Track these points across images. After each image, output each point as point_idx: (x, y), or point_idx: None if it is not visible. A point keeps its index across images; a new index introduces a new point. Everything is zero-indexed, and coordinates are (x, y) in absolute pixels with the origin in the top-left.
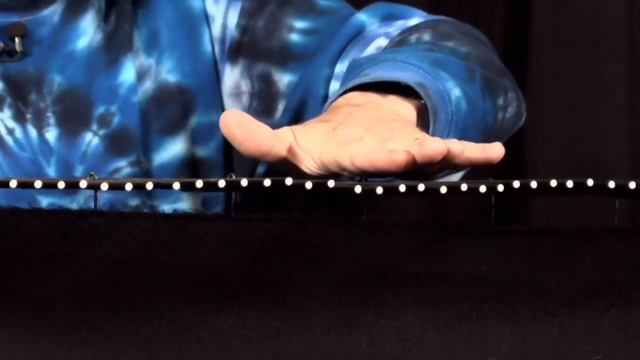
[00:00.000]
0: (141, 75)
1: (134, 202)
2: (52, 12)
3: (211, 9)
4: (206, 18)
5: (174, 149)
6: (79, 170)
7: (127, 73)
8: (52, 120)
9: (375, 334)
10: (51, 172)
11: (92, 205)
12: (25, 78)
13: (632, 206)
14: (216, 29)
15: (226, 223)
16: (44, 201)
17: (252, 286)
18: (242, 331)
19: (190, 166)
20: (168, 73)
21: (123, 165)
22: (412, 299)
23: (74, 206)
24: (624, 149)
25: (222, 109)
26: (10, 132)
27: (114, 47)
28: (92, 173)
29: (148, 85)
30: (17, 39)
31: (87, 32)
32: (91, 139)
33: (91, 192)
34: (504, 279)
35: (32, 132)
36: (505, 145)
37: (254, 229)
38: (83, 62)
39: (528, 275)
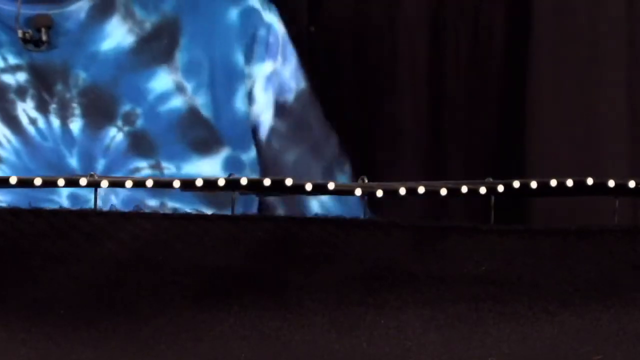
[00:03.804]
0: (175, 90)
1: (152, 202)
2: (79, 9)
3: (258, 91)
4: (243, 77)
5: (203, 167)
6: (100, 164)
7: (159, 82)
8: (77, 111)
9: (375, 334)
10: (73, 162)
11: (112, 198)
12: (52, 69)
13: (632, 206)
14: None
15: (226, 223)
16: (65, 191)
17: (252, 286)
18: (242, 331)
19: None
20: (202, 106)
21: (144, 166)
22: (412, 299)
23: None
24: (624, 149)
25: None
26: (33, 122)
27: (148, 52)
28: (93, 173)
29: (180, 103)
30: (43, 30)
31: (114, 34)
32: (115, 134)
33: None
34: (504, 279)
35: (55, 122)
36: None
37: (254, 229)
38: (109, 62)
39: (528, 275)
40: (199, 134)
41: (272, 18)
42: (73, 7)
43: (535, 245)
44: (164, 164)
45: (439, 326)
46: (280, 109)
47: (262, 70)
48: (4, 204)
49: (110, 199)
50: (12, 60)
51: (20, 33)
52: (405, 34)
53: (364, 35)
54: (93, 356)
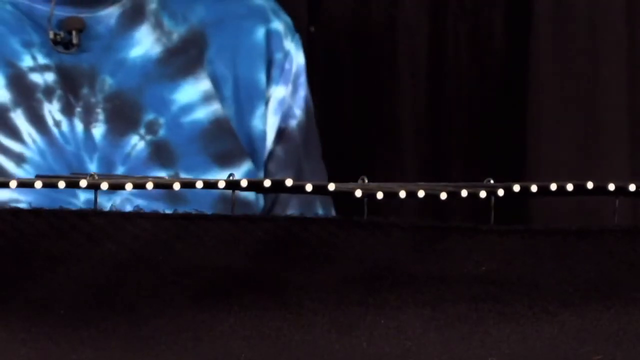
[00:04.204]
0: (199, 103)
1: None
2: (110, 14)
3: (270, 114)
4: (263, 96)
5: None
6: (119, 171)
7: (184, 94)
8: (101, 117)
9: (375, 334)
10: (93, 168)
11: (127, 207)
12: (79, 72)
13: (632, 206)
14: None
15: (226, 223)
16: (83, 196)
17: (252, 286)
18: (242, 331)
19: (230, 201)
20: (225, 120)
21: (163, 177)
22: (412, 299)
23: (109, 205)
24: (624, 150)
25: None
26: (57, 124)
27: (174, 63)
28: (93, 173)
29: (203, 115)
30: (74, 32)
31: (142, 42)
32: (137, 142)
33: (127, 194)
34: (504, 279)
35: (79, 126)
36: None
37: (254, 229)
38: (136, 70)
39: (528, 275)
40: (221, 146)
41: (292, 46)
42: (104, 12)
43: (535, 245)
44: (183, 175)
45: (439, 326)
46: (281, 133)
47: (275, 92)
48: (25, 204)
49: (126, 209)
50: (42, 60)
51: (51, 34)
52: (405, 34)
53: (364, 35)
54: (93, 356)
